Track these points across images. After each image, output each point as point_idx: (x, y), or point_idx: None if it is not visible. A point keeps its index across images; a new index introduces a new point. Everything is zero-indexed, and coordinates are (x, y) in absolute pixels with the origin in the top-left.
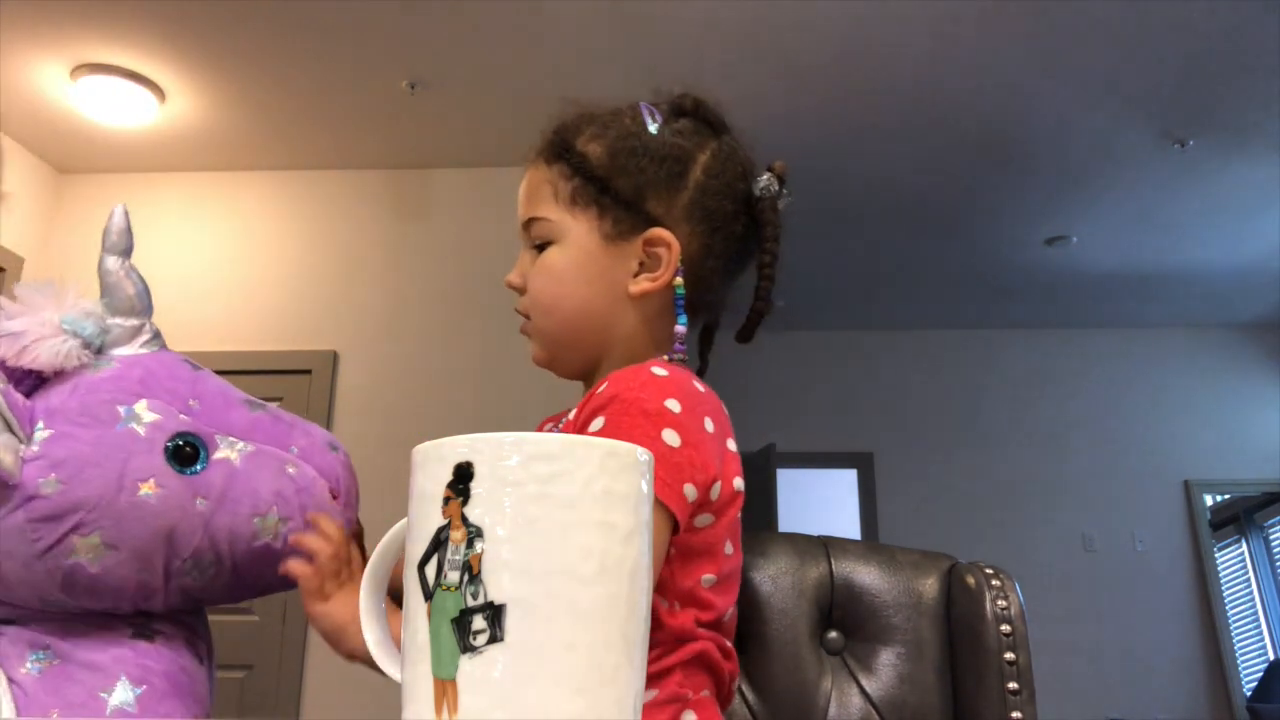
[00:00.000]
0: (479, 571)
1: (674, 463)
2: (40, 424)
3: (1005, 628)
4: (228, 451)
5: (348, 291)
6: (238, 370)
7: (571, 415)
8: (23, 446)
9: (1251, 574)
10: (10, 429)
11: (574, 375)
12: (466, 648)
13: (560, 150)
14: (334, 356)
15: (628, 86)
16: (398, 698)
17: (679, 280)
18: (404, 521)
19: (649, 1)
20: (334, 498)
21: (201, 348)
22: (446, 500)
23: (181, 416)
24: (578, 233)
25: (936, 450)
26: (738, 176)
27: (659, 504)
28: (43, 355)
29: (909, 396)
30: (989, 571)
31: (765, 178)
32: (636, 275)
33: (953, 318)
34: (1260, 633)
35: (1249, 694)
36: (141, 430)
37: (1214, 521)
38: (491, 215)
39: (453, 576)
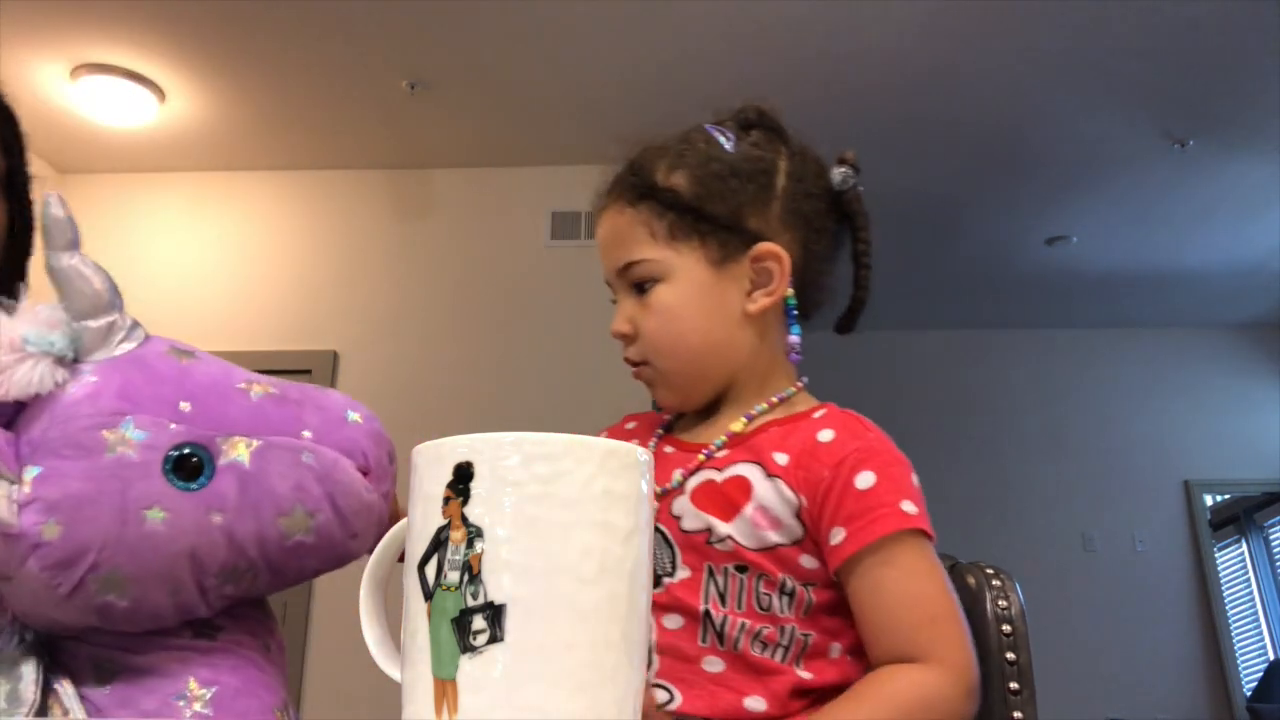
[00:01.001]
0: (479, 571)
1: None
2: (28, 462)
3: (1006, 628)
4: (234, 453)
5: (347, 291)
6: None
7: (719, 453)
8: (15, 489)
9: (1251, 574)
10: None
11: (702, 407)
12: (466, 648)
13: (644, 189)
14: (334, 356)
15: (628, 86)
16: (398, 698)
17: (789, 290)
18: (404, 522)
19: (649, 2)
20: (365, 474)
21: (202, 348)
22: (446, 500)
23: (174, 426)
24: (685, 266)
25: (936, 450)
26: (817, 174)
27: (928, 537)
28: (14, 388)
29: (907, 396)
30: (989, 571)
31: (842, 169)
32: (750, 294)
33: (953, 317)
34: (1260, 633)
35: (1249, 694)
36: (133, 454)
37: (1214, 521)
38: (491, 215)
39: (453, 576)
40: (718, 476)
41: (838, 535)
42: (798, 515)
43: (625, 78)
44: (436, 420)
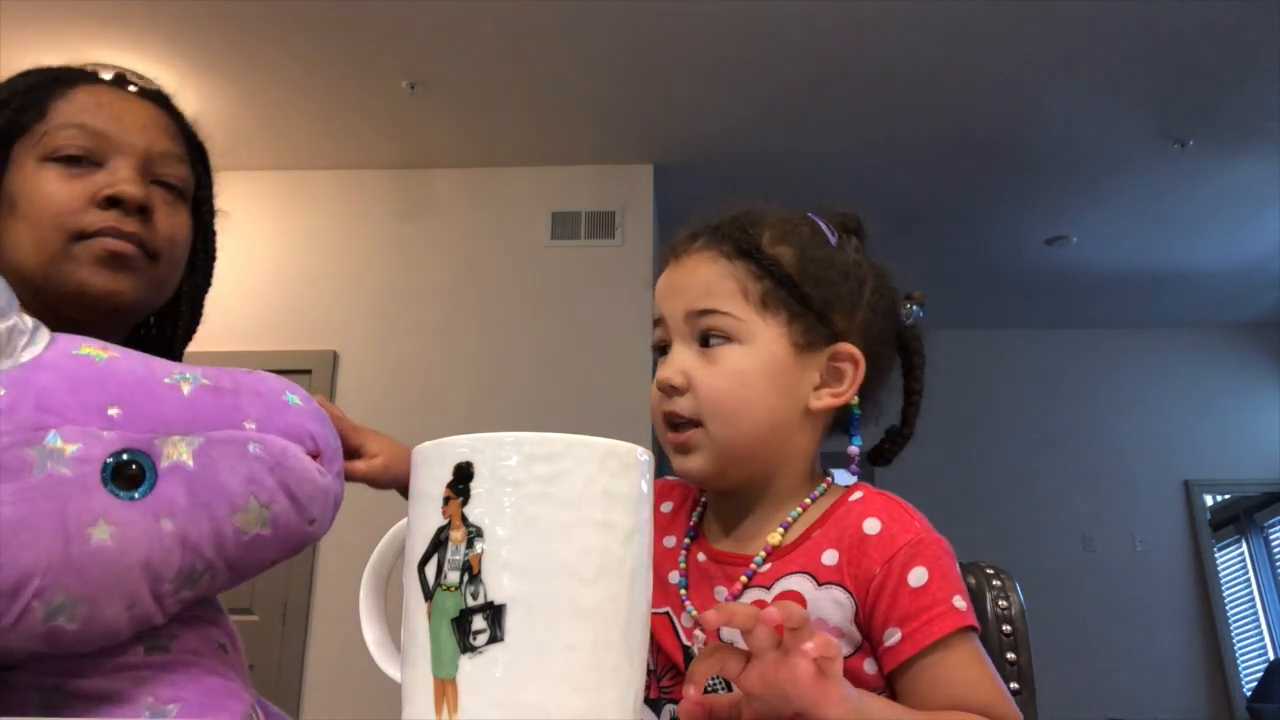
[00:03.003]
0: (479, 571)
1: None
2: None
3: (1006, 628)
4: (175, 454)
5: (348, 292)
6: None
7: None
8: None
9: (1251, 574)
10: None
11: (731, 490)
12: (467, 648)
13: (747, 247)
14: (334, 356)
15: (628, 85)
16: (399, 697)
17: (856, 399)
18: (404, 521)
19: (649, 1)
20: (315, 457)
21: (202, 348)
22: (446, 500)
23: (106, 434)
24: (767, 337)
25: (936, 450)
26: (893, 301)
27: (976, 634)
28: None
29: None
30: (990, 571)
31: (912, 307)
32: (817, 389)
33: (953, 317)
34: (1260, 633)
35: (1249, 694)
36: (66, 470)
37: (1214, 521)
38: (492, 215)
39: (453, 576)
40: (766, 596)
41: (893, 637)
42: (855, 620)
43: (625, 77)
44: (437, 420)
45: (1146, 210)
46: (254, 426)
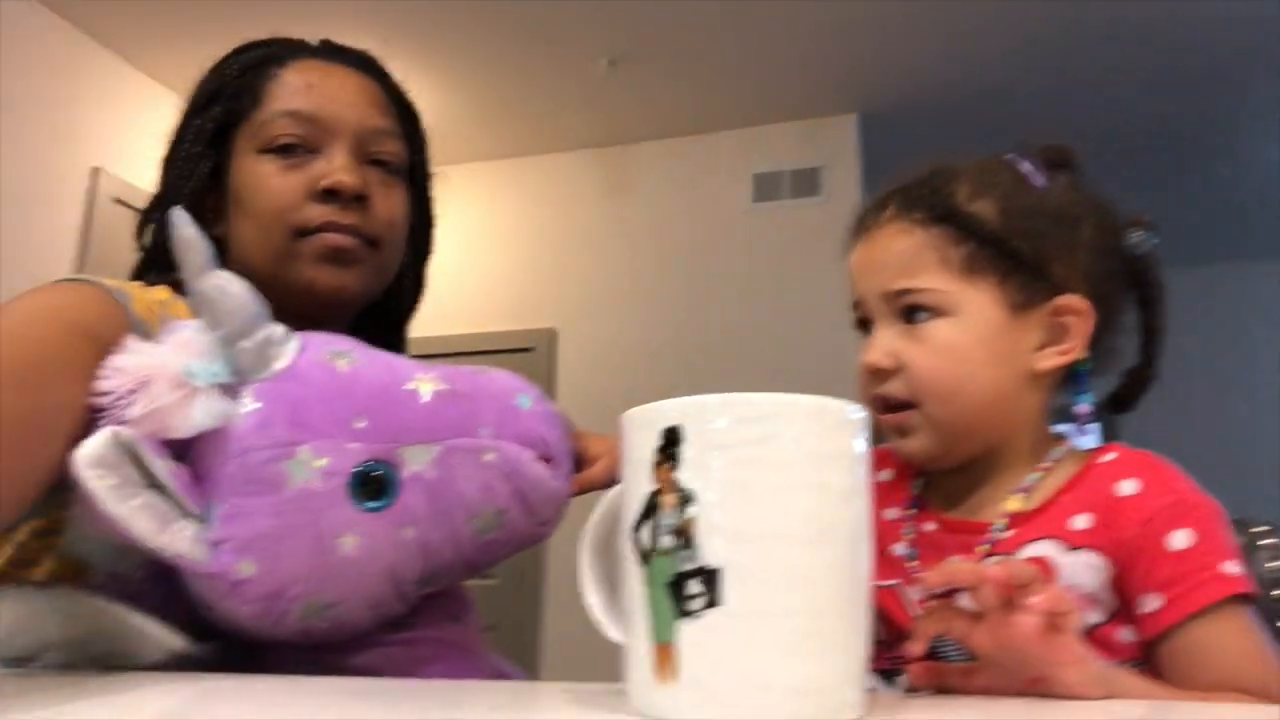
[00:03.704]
0: (692, 536)
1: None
2: (209, 499)
3: (1277, 591)
4: (416, 465)
5: (562, 270)
6: (466, 351)
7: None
8: (203, 528)
9: None
10: (187, 513)
11: (956, 466)
12: (683, 612)
13: (943, 211)
14: (552, 333)
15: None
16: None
17: (1085, 353)
18: (619, 488)
19: None
20: (547, 461)
21: (437, 331)
22: (657, 465)
23: (352, 446)
24: (978, 304)
25: (1181, 399)
26: (1117, 233)
27: (1251, 604)
28: (187, 427)
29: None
30: (1258, 530)
31: (1139, 233)
32: (1041, 349)
33: (1198, 253)
34: None
35: None
36: (318, 483)
37: None
38: (693, 182)
39: (666, 541)
40: None
41: (1152, 602)
42: (1110, 585)
43: (826, 19)
44: (653, 390)
45: None
46: (489, 433)
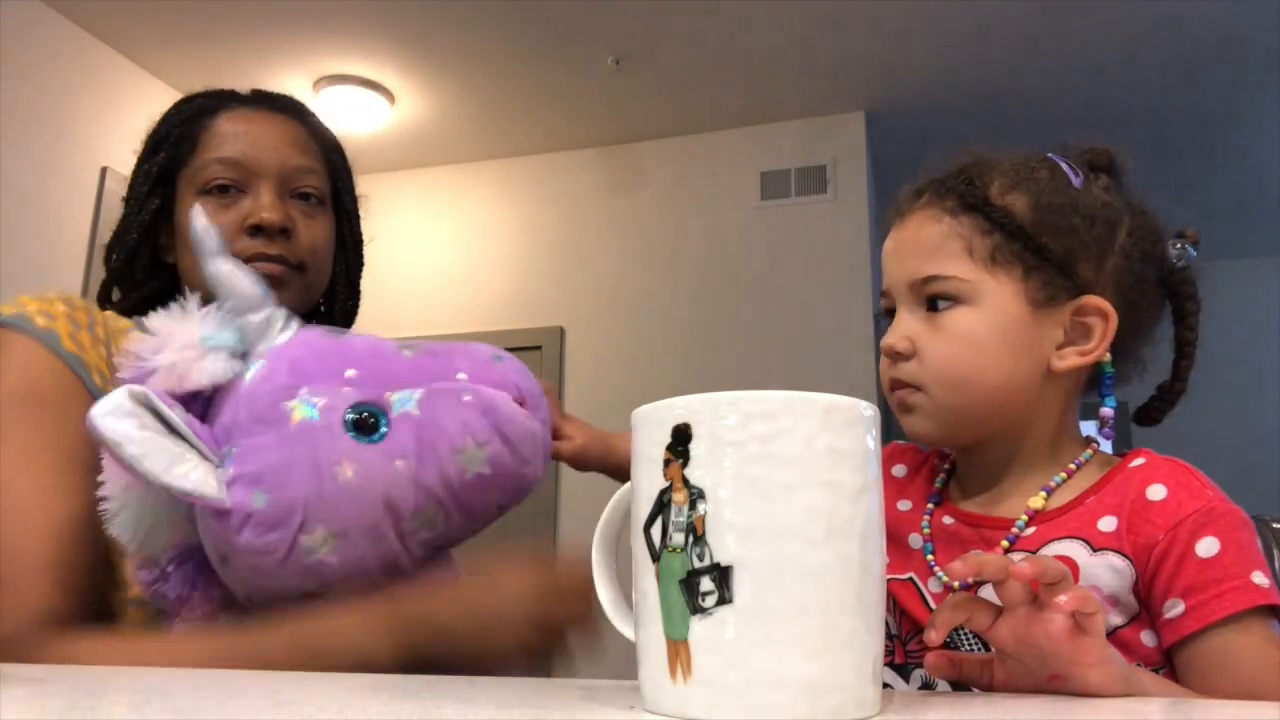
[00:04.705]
0: (703, 533)
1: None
2: (224, 445)
3: None
4: (403, 405)
5: (569, 268)
6: None
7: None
8: (220, 470)
9: None
10: (205, 457)
11: (970, 449)
12: (696, 609)
13: (973, 200)
14: (560, 331)
15: (835, 29)
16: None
17: (1108, 356)
18: (629, 485)
19: None
20: (521, 404)
21: (441, 330)
22: (667, 462)
23: (345, 390)
24: (1000, 296)
25: (1210, 397)
26: (1155, 240)
27: (1276, 613)
28: (203, 378)
29: None
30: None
31: (1180, 244)
32: (1061, 348)
33: (1224, 247)
34: None
35: None
36: (316, 417)
37: None
38: (700, 180)
39: (678, 538)
40: None
41: (1175, 608)
42: (1133, 588)
43: (833, 15)
44: (661, 388)
45: None
46: (465, 378)
